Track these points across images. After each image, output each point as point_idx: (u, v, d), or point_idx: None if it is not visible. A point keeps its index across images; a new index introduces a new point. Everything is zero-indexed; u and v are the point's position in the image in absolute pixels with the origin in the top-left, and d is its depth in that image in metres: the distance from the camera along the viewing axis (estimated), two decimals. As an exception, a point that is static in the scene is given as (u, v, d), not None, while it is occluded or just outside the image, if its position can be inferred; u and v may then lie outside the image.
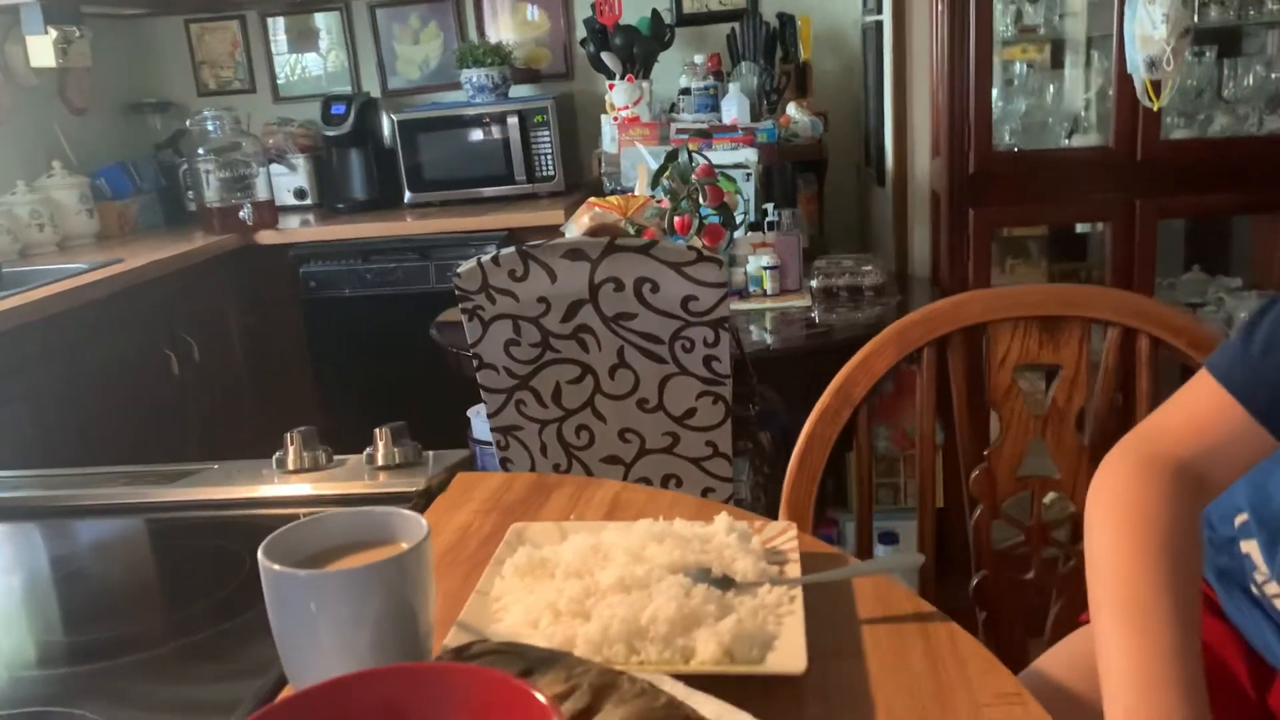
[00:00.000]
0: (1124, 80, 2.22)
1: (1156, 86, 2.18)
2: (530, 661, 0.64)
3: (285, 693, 0.70)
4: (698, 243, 2.48)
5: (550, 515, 0.97)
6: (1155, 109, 2.21)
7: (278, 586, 0.64)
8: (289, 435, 1.10)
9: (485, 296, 1.89)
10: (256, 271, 3.22)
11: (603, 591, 0.75)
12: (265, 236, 3.23)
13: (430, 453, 1.13)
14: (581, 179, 3.47)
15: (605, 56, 3.20)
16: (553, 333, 1.90)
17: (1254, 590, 0.89)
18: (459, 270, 1.89)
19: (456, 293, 1.90)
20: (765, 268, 2.50)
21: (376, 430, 1.10)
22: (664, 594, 0.74)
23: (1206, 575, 0.94)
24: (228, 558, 0.93)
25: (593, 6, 3.22)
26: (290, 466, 1.09)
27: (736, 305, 2.46)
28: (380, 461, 1.09)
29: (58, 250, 3.07)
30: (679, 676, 0.66)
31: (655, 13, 3.25)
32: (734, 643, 0.70)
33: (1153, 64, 2.16)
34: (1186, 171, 2.25)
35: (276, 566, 0.63)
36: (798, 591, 0.76)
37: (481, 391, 1.97)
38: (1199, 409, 0.79)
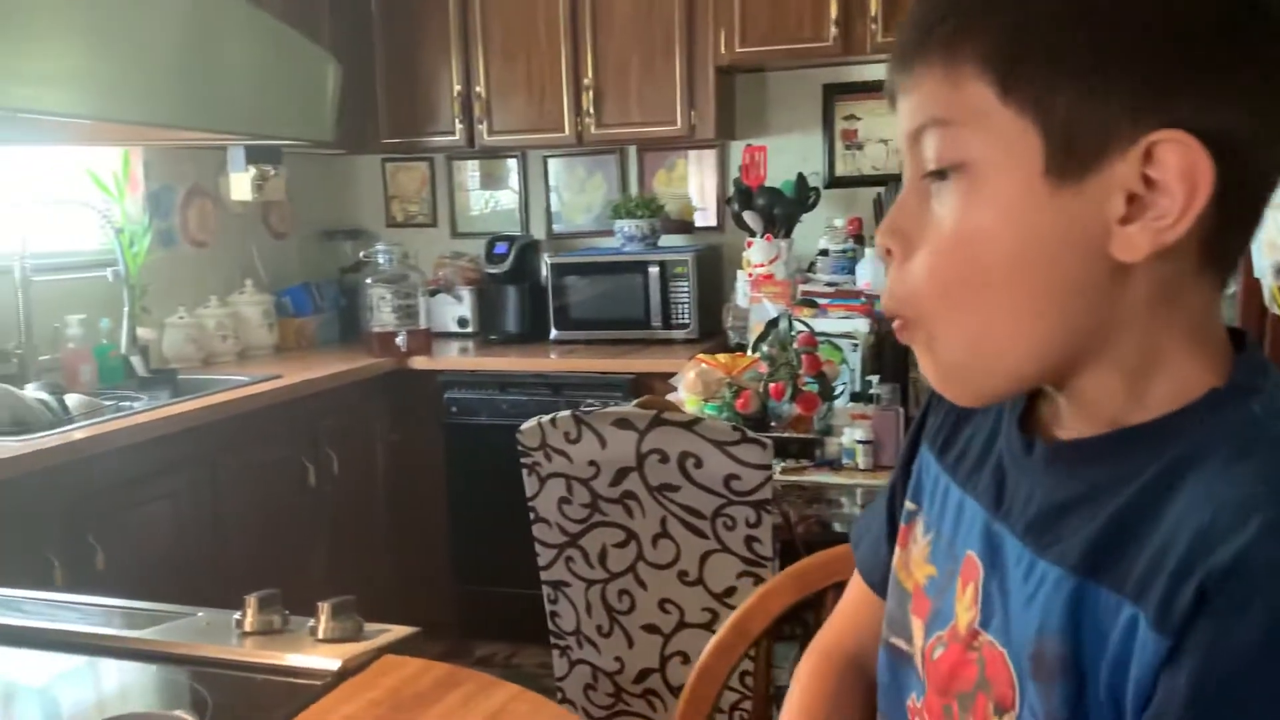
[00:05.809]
0: (1252, 285, 2.08)
1: (1285, 292, 2.04)
2: None
3: None
4: (793, 409, 2.48)
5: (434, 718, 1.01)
6: (1282, 315, 2.05)
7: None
8: (248, 598, 1.20)
9: (543, 454, 1.96)
10: (406, 393, 3.45)
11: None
12: (417, 362, 3.47)
13: (376, 627, 1.19)
14: (719, 327, 3.53)
15: (747, 215, 3.29)
16: (601, 496, 1.94)
17: None
18: (521, 428, 1.98)
19: (519, 448, 1.99)
20: (859, 441, 2.45)
21: (320, 604, 1.17)
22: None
23: None
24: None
25: (740, 168, 3.32)
26: (246, 629, 1.18)
27: (827, 476, 2.42)
28: (321, 635, 1.16)
29: (236, 360, 3.40)
30: None
31: (801, 176, 3.31)
32: None
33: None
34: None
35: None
36: None
37: (535, 544, 2.04)
38: (848, 594, 0.87)
